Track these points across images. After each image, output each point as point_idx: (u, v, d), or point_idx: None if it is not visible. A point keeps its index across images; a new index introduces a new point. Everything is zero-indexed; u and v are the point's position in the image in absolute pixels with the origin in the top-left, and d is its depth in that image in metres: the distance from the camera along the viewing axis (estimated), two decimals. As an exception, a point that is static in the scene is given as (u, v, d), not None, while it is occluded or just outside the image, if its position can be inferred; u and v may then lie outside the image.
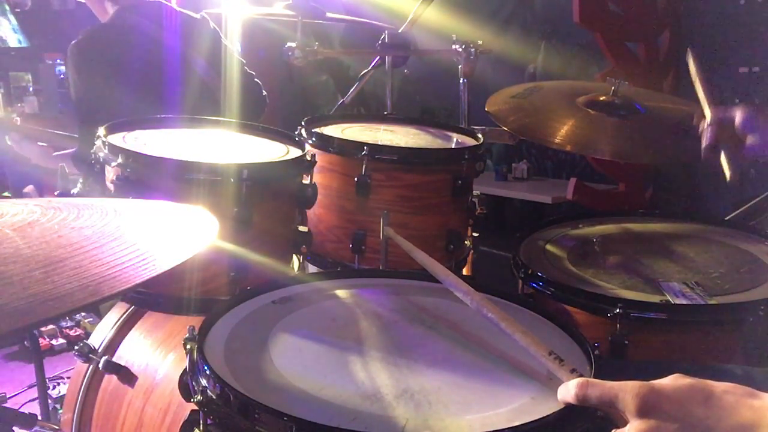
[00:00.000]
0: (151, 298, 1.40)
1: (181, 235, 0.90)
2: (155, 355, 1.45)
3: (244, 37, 2.81)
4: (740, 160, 1.24)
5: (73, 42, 2.10)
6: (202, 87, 2.21)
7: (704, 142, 1.25)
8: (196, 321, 1.04)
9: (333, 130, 1.80)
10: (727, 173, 1.18)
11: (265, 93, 2.47)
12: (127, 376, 1.44)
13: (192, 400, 0.92)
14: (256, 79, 2.42)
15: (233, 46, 2.42)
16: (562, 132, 1.68)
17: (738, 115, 1.23)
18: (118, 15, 2.18)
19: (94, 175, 1.42)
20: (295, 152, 1.55)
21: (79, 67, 2.11)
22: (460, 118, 2.16)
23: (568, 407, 0.86)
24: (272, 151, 1.57)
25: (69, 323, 3.77)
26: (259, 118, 2.46)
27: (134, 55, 2.12)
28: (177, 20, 2.23)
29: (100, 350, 1.53)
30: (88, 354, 1.51)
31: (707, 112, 1.29)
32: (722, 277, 1.46)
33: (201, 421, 0.92)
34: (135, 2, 2.20)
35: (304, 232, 1.53)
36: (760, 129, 1.20)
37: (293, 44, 1.95)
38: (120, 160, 1.33)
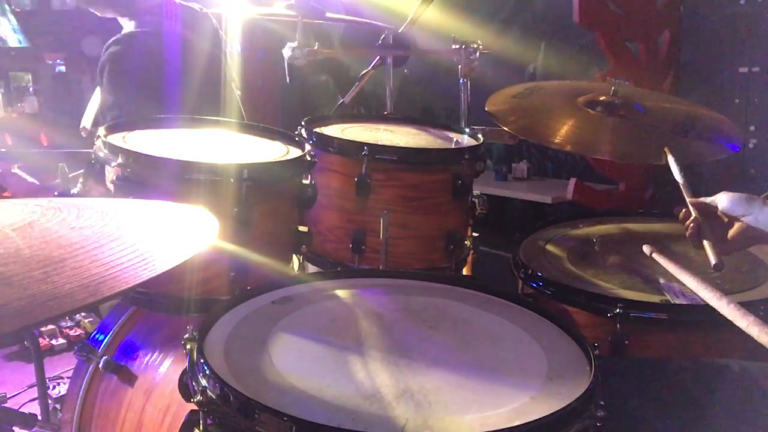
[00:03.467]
0: (151, 298, 1.40)
1: (181, 235, 0.90)
2: (155, 355, 1.44)
3: (244, 37, 2.81)
4: (726, 247, 1.26)
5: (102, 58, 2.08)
6: (209, 76, 2.18)
7: (687, 233, 1.29)
8: (196, 321, 1.04)
9: (333, 130, 1.80)
10: (712, 260, 1.21)
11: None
12: (127, 375, 1.44)
13: (192, 400, 0.92)
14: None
15: (233, 45, 2.40)
16: (562, 132, 1.68)
17: (721, 201, 1.27)
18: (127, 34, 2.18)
19: (94, 175, 1.41)
20: (295, 152, 1.55)
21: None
22: (460, 118, 2.15)
23: (568, 407, 0.86)
24: (272, 151, 1.57)
25: (69, 323, 3.77)
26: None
27: (135, 61, 2.11)
28: (177, 13, 2.21)
29: (100, 350, 1.53)
30: (88, 354, 1.51)
31: (688, 204, 1.33)
32: (722, 277, 1.46)
33: (201, 421, 0.92)
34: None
35: (304, 232, 1.53)
36: (752, 210, 1.22)
37: (293, 44, 1.95)
38: (120, 160, 1.33)
